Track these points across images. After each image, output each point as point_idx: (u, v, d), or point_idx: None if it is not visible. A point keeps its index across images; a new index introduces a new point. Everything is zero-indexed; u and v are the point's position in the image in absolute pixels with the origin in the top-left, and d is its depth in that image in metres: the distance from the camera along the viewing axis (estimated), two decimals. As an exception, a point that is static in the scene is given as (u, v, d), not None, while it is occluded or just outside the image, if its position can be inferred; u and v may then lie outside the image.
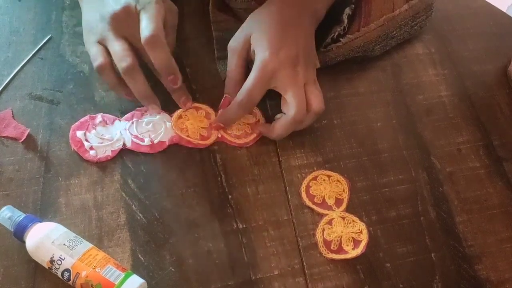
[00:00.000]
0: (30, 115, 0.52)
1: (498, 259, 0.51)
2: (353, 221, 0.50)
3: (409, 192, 0.53)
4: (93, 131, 0.52)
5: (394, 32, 0.60)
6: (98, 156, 0.50)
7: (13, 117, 0.52)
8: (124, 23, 0.48)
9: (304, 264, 0.48)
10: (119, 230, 0.47)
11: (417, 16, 0.62)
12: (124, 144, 0.51)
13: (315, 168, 0.53)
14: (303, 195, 0.51)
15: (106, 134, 0.52)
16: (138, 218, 0.48)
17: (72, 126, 0.52)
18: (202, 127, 0.53)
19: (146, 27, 0.47)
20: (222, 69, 0.57)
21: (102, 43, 0.49)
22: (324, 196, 0.51)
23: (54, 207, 0.48)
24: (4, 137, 0.51)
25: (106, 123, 0.52)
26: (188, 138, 0.52)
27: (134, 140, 0.52)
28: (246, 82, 0.50)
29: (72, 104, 0.54)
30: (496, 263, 0.50)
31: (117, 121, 0.53)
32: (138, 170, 0.51)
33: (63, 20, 0.59)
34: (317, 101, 0.51)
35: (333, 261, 0.48)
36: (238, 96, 0.50)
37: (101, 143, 0.51)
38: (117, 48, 0.48)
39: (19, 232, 0.44)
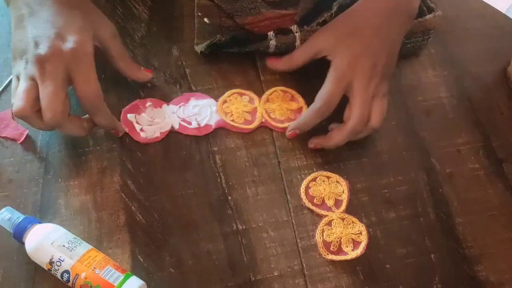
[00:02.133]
0: (29, 116, 0.52)
1: (498, 260, 0.51)
2: (353, 222, 0.50)
3: (409, 193, 0.53)
4: (143, 114, 0.53)
5: None
6: (148, 137, 0.52)
7: (12, 118, 0.52)
8: (39, 69, 0.44)
9: (304, 265, 0.48)
10: (119, 231, 0.47)
11: (413, 35, 0.61)
12: (172, 127, 0.53)
13: (314, 169, 0.53)
14: (303, 196, 0.51)
15: (155, 117, 0.53)
16: (138, 219, 0.48)
17: (123, 109, 0.53)
18: (246, 112, 0.55)
19: (81, 94, 0.45)
20: (199, 49, 0.58)
21: (19, 78, 0.46)
22: (323, 197, 0.51)
23: (53, 208, 0.48)
24: (3, 137, 0.51)
25: (155, 107, 0.54)
26: (233, 123, 0.54)
27: (182, 123, 0.53)
28: (323, 89, 0.51)
29: (72, 105, 0.53)
30: (496, 264, 0.50)
31: (165, 105, 0.54)
32: (137, 171, 0.51)
33: (63, 21, 0.59)
34: (377, 118, 0.51)
35: (332, 262, 0.48)
36: (316, 104, 0.51)
37: (151, 125, 0.53)
38: (20, 88, 0.44)
39: (19, 234, 0.44)
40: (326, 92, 0.51)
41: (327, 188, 0.52)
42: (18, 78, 0.46)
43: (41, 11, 0.46)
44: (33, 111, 0.44)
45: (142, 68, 0.54)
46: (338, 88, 0.50)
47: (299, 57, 0.55)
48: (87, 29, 0.47)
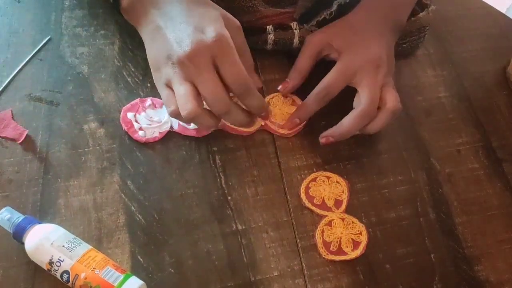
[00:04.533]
0: (29, 116, 0.52)
1: (498, 260, 0.51)
2: (353, 222, 0.50)
3: (409, 193, 0.53)
4: (143, 113, 0.53)
5: None
6: (147, 137, 0.52)
7: (12, 117, 0.52)
8: (190, 67, 0.45)
9: (304, 265, 0.48)
10: (119, 232, 0.47)
11: (408, 35, 0.61)
12: (171, 127, 0.53)
13: (314, 169, 0.53)
14: (303, 196, 0.51)
15: (155, 117, 0.53)
16: (138, 219, 0.48)
17: (123, 108, 0.53)
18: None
19: (234, 81, 0.46)
20: None
21: (169, 85, 0.47)
22: (323, 197, 0.51)
23: (53, 208, 0.48)
24: (3, 137, 0.51)
25: (155, 106, 0.54)
26: (233, 125, 0.53)
27: (181, 123, 0.53)
28: (326, 76, 0.52)
29: (72, 105, 0.54)
30: (496, 264, 0.50)
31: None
32: (137, 171, 0.51)
33: (63, 21, 0.59)
34: (393, 99, 0.51)
35: (332, 262, 0.48)
36: (316, 89, 0.52)
37: (150, 125, 0.53)
38: (180, 93, 0.45)
39: (18, 234, 0.44)
40: (328, 79, 0.52)
41: (327, 188, 0.52)
42: (167, 86, 0.47)
43: (175, 16, 0.48)
44: (202, 109, 0.45)
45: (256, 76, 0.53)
46: (341, 77, 0.51)
47: (304, 63, 0.55)
48: (219, 19, 0.47)
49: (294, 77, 0.55)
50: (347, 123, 0.51)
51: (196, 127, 0.53)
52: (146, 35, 0.50)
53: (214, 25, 0.46)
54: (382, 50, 0.54)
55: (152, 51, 0.49)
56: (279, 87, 0.56)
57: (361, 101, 0.51)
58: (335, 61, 0.53)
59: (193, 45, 0.45)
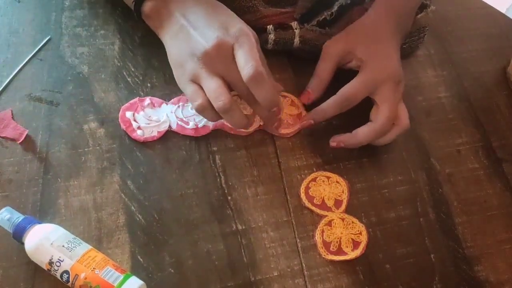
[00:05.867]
0: (29, 116, 0.52)
1: (498, 260, 0.51)
2: (353, 222, 0.50)
3: (409, 193, 0.53)
4: (142, 112, 0.53)
5: None
6: (145, 136, 0.52)
7: (12, 117, 0.52)
8: (216, 60, 0.46)
9: (304, 265, 0.48)
10: (118, 232, 0.47)
11: (408, 36, 0.61)
12: (169, 126, 0.53)
13: (314, 169, 0.53)
14: (303, 196, 0.51)
15: (154, 116, 0.53)
16: (138, 219, 0.48)
17: (122, 107, 0.53)
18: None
19: (246, 64, 0.45)
20: None
21: (195, 81, 0.48)
22: (323, 197, 0.51)
23: (53, 208, 0.48)
24: (3, 137, 0.51)
25: (154, 106, 0.54)
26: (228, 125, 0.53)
27: (179, 123, 0.53)
28: (350, 83, 0.51)
29: (72, 105, 0.54)
30: (496, 264, 0.50)
31: (164, 104, 0.54)
32: (137, 171, 0.51)
33: (63, 21, 0.59)
34: (405, 117, 0.53)
35: (332, 262, 0.48)
36: (337, 96, 0.52)
37: (149, 124, 0.53)
38: (212, 86, 0.46)
39: (18, 234, 0.44)
40: (351, 88, 0.51)
41: (327, 188, 0.52)
42: (191, 81, 0.48)
43: (200, 17, 0.49)
44: (235, 102, 0.47)
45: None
46: (364, 88, 0.51)
47: (325, 73, 0.54)
48: (243, 22, 0.49)
49: (317, 89, 0.54)
50: (362, 135, 0.51)
51: (194, 126, 0.53)
52: (168, 35, 0.51)
53: (238, 24, 0.48)
54: (399, 62, 0.54)
55: (175, 49, 0.50)
56: (301, 98, 0.55)
57: (380, 117, 0.51)
58: (351, 70, 0.53)
59: (218, 39, 0.46)
